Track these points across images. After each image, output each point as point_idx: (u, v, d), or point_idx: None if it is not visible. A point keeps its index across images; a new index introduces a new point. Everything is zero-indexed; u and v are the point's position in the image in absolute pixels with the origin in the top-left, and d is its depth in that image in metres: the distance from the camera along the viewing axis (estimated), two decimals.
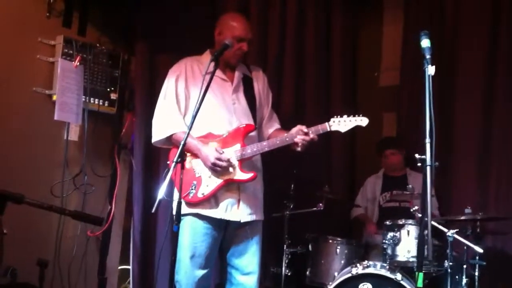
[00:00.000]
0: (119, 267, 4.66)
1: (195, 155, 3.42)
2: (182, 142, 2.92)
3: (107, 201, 4.42)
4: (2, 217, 2.29)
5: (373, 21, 5.71)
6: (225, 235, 3.54)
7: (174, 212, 3.12)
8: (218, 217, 3.41)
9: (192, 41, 4.52)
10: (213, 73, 3.14)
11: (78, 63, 4.15)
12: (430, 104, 2.59)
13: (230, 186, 3.43)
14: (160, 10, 4.52)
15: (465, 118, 4.62)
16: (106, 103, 4.39)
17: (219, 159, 3.32)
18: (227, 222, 3.46)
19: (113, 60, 4.44)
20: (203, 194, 3.38)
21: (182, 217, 3.37)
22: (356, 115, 3.40)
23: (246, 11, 4.82)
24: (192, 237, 3.38)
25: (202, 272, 3.41)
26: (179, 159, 2.88)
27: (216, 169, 3.34)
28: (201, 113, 3.27)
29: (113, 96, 4.43)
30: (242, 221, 3.47)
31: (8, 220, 2.32)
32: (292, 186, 4.36)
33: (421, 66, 2.69)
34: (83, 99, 4.20)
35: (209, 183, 3.40)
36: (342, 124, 3.38)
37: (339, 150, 5.13)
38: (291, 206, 4.33)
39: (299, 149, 3.38)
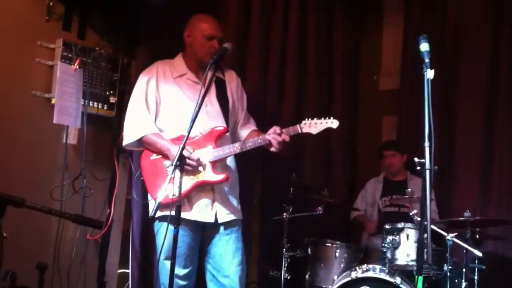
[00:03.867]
0: (118, 271, 4.64)
1: (165, 156, 3.42)
2: (181, 146, 2.93)
3: (106, 204, 4.41)
4: (2, 220, 2.29)
5: (373, 25, 5.74)
6: (203, 237, 3.53)
7: (150, 214, 3.12)
8: (192, 219, 3.41)
9: None
10: (212, 76, 3.16)
11: (77, 67, 4.15)
12: (429, 108, 2.59)
13: (204, 188, 3.44)
14: (161, 14, 4.51)
15: (467, 121, 4.63)
16: (105, 107, 4.38)
17: (188, 158, 3.32)
18: (204, 224, 3.46)
19: (113, 64, 4.44)
20: (174, 195, 3.38)
21: (157, 220, 3.44)
22: (327, 118, 3.40)
23: (248, 15, 4.84)
24: (168, 239, 3.33)
25: (183, 271, 3.43)
26: (178, 162, 2.88)
27: (186, 168, 3.33)
28: (174, 115, 3.29)
29: (112, 99, 4.43)
30: (219, 221, 3.46)
31: (8, 223, 2.31)
32: (291, 189, 4.36)
33: (421, 69, 2.69)
34: (82, 103, 4.19)
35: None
36: (313, 126, 3.39)
37: (339, 153, 5.14)
38: (290, 210, 4.33)
39: (273, 149, 3.40)
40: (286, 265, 4.26)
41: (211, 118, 3.54)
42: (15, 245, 2.61)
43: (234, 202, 3.59)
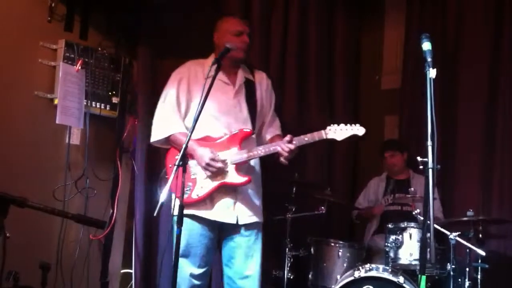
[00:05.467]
0: (121, 271, 4.65)
1: (190, 156, 3.43)
2: (184, 146, 2.93)
3: (109, 204, 4.42)
4: (5, 220, 2.30)
5: (374, 24, 5.73)
6: (222, 237, 3.54)
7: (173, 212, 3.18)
8: (213, 218, 3.43)
9: (195, 45, 4.53)
10: (214, 77, 3.16)
11: (79, 67, 4.16)
12: (432, 107, 2.59)
13: (227, 189, 3.45)
14: (162, 14, 4.52)
15: (468, 120, 4.62)
16: (108, 107, 4.39)
17: (213, 159, 3.35)
18: (222, 224, 3.47)
19: (115, 64, 4.45)
20: (197, 195, 3.41)
21: (175, 218, 3.43)
22: (353, 124, 3.38)
23: (248, 15, 4.83)
24: (187, 238, 3.38)
25: (199, 270, 3.44)
26: (181, 162, 2.88)
27: (210, 169, 3.37)
28: (201, 116, 3.29)
29: (115, 100, 4.44)
30: (239, 223, 3.47)
31: (11, 223, 2.32)
32: (294, 189, 4.36)
33: (422, 69, 2.69)
34: (85, 103, 4.20)
35: (204, 184, 3.42)
36: (338, 132, 3.36)
37: (341, 153, 5.13)
38: (293, 209, 4.33)
39: (282, 159, 3.38)
40: (289, 264, 4.26)
41: (239, 120, 3.56)
42: (18, 245, 2.61)
43: (257, 204, 3.59)
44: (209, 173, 3.41)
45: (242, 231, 3.51)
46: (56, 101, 4.07)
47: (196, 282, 3.46)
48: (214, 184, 3.42)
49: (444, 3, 4.89)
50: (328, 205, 4.36)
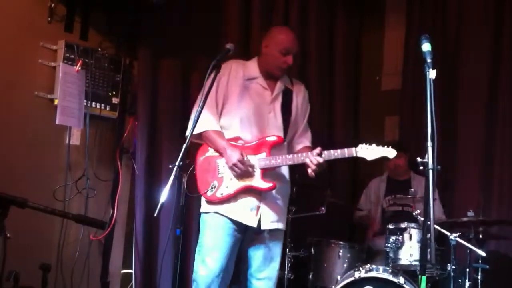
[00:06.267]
0: (122, 271, 4.65)
1: (220, 155, 3.45)
2: (184, 146, 2.94)
3: (109, 205, 4.42)
4: (5, 221, 2.30)
5: (375, 25, 5.73)
6: (244, 239, 3.55)
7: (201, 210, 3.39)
8: (234, 218, 3.43)
9: (195, 45, 4.54)
10: (214, 78, 3.17)
11: (79, 68, 4.16)
12: (432, 107, 2.59)
13: (252, 192, 3.45)
14: (162, 15, 4.52)
15: (469, 120, 4.62)
16: (108, 108, 4.39)
17: (241, 161, 3.35)
18: (246, 226, 3.47)
19: (115, 65, 4.45)
20: (221, 194, 3.42)
21: (203, 215, 3.49)
22: (386, 146, 3.37)
23: (248, 15, 4.83)
24: (215, 232, 3.41)
25: (219, 267, 3.41)
26: (180, 163, 2.89)
27: (236, 170, 3.37)
28: (236, 116, 3.30)
29: (115, 100, 4.44)
30: (262, 228, 3.47)
31: (11, 224, 2.32)
32: (295, 189, 4.36)
33: (423, 69, 2.69)
34: (85, 104, 4.20)
35: (229, 185, 3.43)
36: (369, 151, 3.34)
37: None
38: (294, 210, 4.32)
39: (309, 170, 3.36)
40: (289, 265, 4.26)
41: (271, 126, 3.54)
42: (18, 246, 2.61)
43: (281, 211, 3.58)
44: (235, 174, 3.41)
45: (264, 235, 3.51)
46: (56, 102, 4.07)
47: (219, 279, 3.42)
48: (239, 185, 3.42)
49: (444, 3, 4.90)
50: (328, 205, 4.36)
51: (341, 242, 4.33)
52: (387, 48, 5.69)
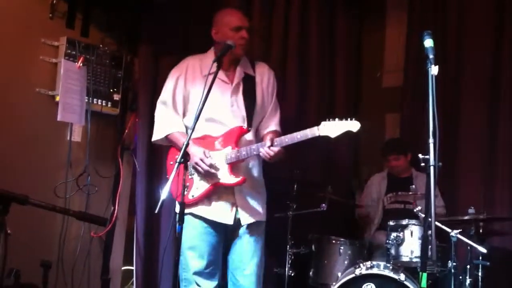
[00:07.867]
0: (123, 268, 4.66)
1: (188, 155, 3.43)
2: (185, 143, 2.93)
3: (110, 201, 4.43)
4: (6, 218, 2.30)
5: (376, 22, 5.72)
6: (225, 238, 3.54)
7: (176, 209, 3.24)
8: (211, 218, 3.43)
9: (196, 43, 4.53)
10: (215, 75, 3.15)
11: (81, 64, 4.16)
12: (434, 104, 2.58)
13: (225, 190, 3.43)
14: (163, 12, 4.52)
15: (470, 118, 4.61)
16: (109, 104, 4.40)
17: (202, 160, 3.33)
18: (225, 225, 3.46)
19: (116, 61, 4.45)
20: (192, 196, 3.42)
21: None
22: (348, 119, 3.24)
23: (249, 14, 4.82)
24: (191, 234, 3.39)
25: (203, 265, 3.43)
26: (182, 159, 2.88)
27: (199, 169, 3.36)
28: (200, 116, 3.30)
29: (116, 97, 4.44)
30: (242, 223, 3.47)
31: (12, 221, 2.32)
32: (295, 186, 4.36)
33: (424, 67, 2.69)
34: (86, 100, 4.20)
35: (199, 186, 3.42)
36: (332, 127, 3.22)
37: (342, 150, 5.12)
38: (294, 207, 4.32)
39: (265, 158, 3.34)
40: (290, 262, 4.26)
41: (236, 117, 3.50)
42: (19, 243, 2.61)
43: (257, 204, 3.55)
44: (200, 173, 3.40)
45: (243, 230, 3.50)
46: (57, 98, 4.07)
47: (205, 279, 3.44)
48: (207, 185, 3.41)
49: (445, 1, 4.88)
50: (329, 202, 4.35)
51: (342, 239, 4.33)
52: (388, 45, 5.68)
